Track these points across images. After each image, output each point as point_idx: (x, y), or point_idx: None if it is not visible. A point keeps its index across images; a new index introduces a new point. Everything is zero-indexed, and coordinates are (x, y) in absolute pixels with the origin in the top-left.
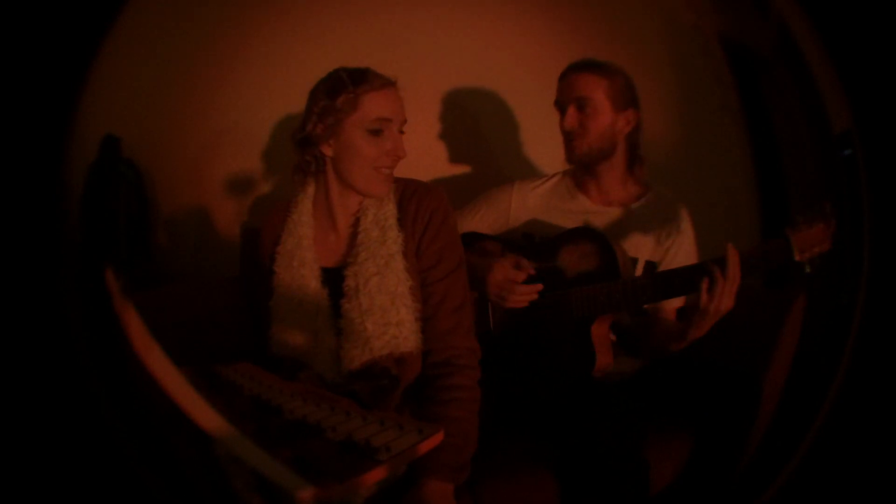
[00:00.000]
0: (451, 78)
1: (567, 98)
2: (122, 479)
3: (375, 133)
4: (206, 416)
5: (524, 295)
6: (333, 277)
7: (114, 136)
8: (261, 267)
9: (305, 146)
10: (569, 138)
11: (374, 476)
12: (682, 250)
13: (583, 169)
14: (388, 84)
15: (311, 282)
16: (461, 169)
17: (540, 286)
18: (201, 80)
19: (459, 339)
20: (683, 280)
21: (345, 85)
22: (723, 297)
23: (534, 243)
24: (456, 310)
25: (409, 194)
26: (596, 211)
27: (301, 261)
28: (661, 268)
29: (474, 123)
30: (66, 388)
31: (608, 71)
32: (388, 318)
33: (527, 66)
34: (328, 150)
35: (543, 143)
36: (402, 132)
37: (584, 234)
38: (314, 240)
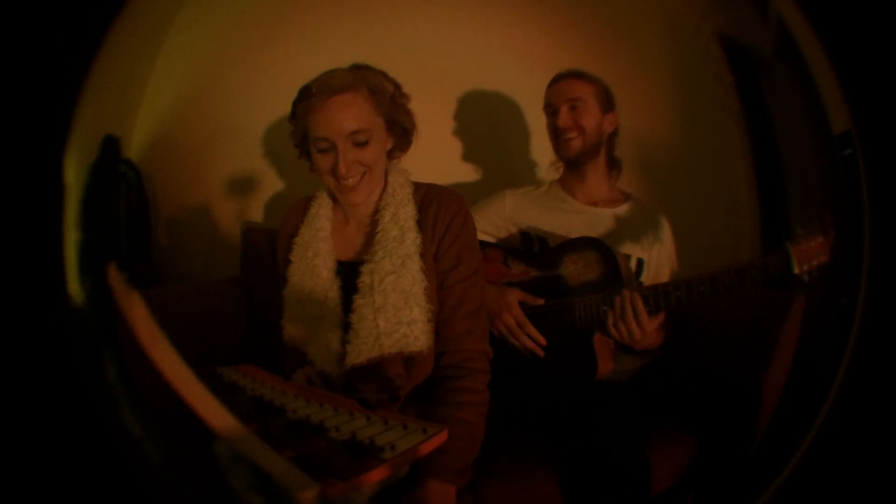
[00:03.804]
0: (453, 80)
1: (559, 100)
2: (123, 477)
3: (322, 151)
4: (212, 412)
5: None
6: (347, 271)
7: (114, 136)
8: (276, 257)
9: (299, 149)
10: (562, 136)
11: (379, 474)
12: (663, 255)
13: (570, 172)
14: (329, 95)
15: (323, 272)
16: (463, 172)
17: (543, 341)
18: (201, 80)
19: (474, 343)
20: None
21: (295, 107)
22: None
23: (535, 252)
24: (472, 313)
25: (429, 198)
26: (586, 211)
27: (315, 251)
28: (649, 268)
29: (473, 126)
30: (67, 389)
31: (592, 78)
32: (401, 316)
33: (527, 67)
34: None
35: (542, 148)
36: (362, 143)
37: (588, 243)
38: (331, 232)
